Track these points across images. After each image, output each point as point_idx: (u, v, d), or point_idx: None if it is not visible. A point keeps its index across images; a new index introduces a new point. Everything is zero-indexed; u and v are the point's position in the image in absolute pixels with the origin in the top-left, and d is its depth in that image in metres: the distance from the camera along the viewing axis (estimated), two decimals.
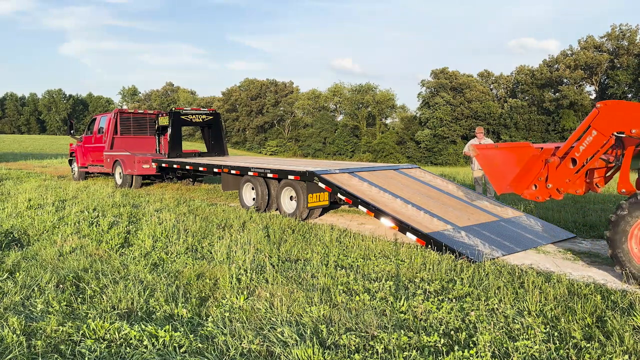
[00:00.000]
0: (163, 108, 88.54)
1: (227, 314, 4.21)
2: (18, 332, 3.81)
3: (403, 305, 4.39)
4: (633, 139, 5.82)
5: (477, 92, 66.84)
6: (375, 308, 4.36)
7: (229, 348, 3.60)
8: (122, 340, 3.72)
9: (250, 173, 9.95)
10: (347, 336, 3.74)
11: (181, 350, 3.57)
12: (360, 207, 7.71)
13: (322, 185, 8.43)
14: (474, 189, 11.37)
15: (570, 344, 3.66)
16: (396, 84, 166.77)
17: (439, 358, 3.47)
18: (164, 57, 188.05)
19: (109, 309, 4.35)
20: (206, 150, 15.20)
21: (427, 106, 70.05)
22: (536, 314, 4.23)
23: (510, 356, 3.49)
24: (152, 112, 16.05)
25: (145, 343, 3.64)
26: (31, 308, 4.37)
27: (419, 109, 73.22)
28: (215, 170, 11.31)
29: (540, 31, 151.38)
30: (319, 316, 4.17)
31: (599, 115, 5.72)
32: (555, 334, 3.85)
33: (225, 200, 11.94)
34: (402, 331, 3.82)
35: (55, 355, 3.50)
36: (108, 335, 3.78)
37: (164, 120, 14.35)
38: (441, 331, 3.90)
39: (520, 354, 3.51)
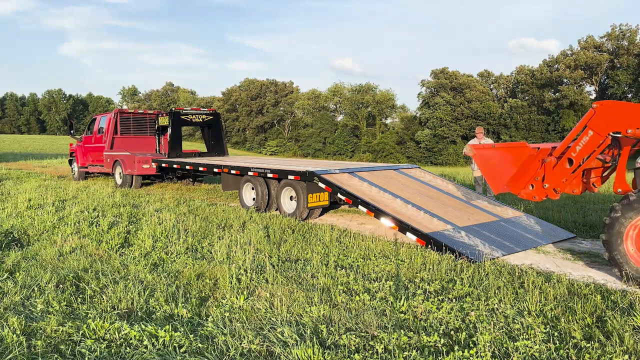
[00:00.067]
0: (163, 108, 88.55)
1: (227, 314, 4.21)
2: (18, 332, 3.81)
3: (403, 305, 4.39)
4: (629, 139, 5.86)
5: (477, 92, 66.85)
6: (375, 308, 4.36)
7: (229, 348, 3.60)
8: (122, 340, 3.72)
9: (250, 173, 9.95)
10: (347, 336, 3.74)
11: (181, 350, 3.57)
12: (360, 207, 7.71)
13: (322, 185, 8.43)
14: (474, 189, 11.37)
15: (570, 344, 3.66)
16: (396, 84, 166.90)
17: (439, 358, 3.47)
18: (164, 57, 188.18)
19: (109, 309, 4.35)
20: (206, 150, 15.21)
21: (427, 106, 70.06)
22: (536, 314, 4.23)
23: (510, 356, 3.49)
24: (152, 112, 16.05)
25: (145, 343, 3.64)
26: (31, 308, 4.37)
27: (419, 109, 73.25)
28: (215, 170, 11.31)
29: (540, 31, 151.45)
30: (319, 316, 4.17)
31: (595, 115, 5.75)
32: (555, 334, 3.86)
33: (225, 200, 11.94)
34: (402, 331, 3.83)
35: (55, 355, 3.50)
36: (108, 335, 3.78)
37: (164, 120, 14.36)
38: (441, 331, 3.90)
39: (520, 354, 3.51)
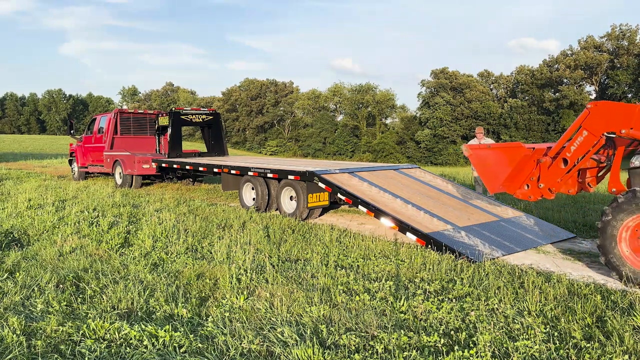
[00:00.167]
0: (163, 108, 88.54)
1: (227, 314, 4.21)
2: (18, 332, 3.81)
3: (403, 305, 4.39)
4: (623, 139, 5.89)
5: (477, 92, 66.86)
6: (375, 308, 4.36)
7: (229, 348, 3.60)
8: (122, 340, 3.72)
9: (250, 173, 9.95)
10: (347, 336, 3.74)
11: (181, 350, 3.57)
12: (360, 207, 7.71)
13: (322, 185, 8.43)
14: (474, 189, 11.37)
15: (570, 344, 3.66)
16: (396, 84, 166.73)
17: (439, 358, 3.47)
18: (164, 57, 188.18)
19: (109, 309, 4.35)
20: (206, 150, 15.20)
21: (427, 106, 70.07)
22: (536, 314, 4.23)
23: (510, 356, 3.49)
24: (152, 112, 16.05)
25: (145, 343, 3.64)
26: (31, 308, 4.37)
27: (419, 109, 73.26)
28: (215, 170, 11.31)
29: (540, 31, 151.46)
30: (319, 316, 4.17)
31: (589, 115, 5.81)
32: (555, 334, 3.86)
33: (225, 200, 11.94)
34: (402, 331, 3.83)
35: (55, 355, 3.50)
36: (108, 335, 3.78)
37: (164, 120, 14.35)
38: (441, 331, 3.90)
39: (520, 354, 3.51)
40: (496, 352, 3.54)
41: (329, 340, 3.71)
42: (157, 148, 15.24)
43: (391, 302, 4.48)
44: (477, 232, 7.10)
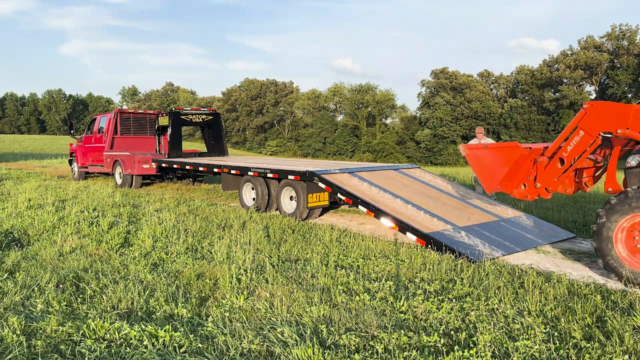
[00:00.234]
0: (163, 108, 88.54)
1: (227, 314, 4.21)
2: (18, 332, 3.81)
3: (403, 305, 4.39)
4: (619, 139, 5.93)
5: (477, 92, 66.86)
6: (375, 308, 4.36)
7: (229, 348, 3.60)
8: (122, 340, 3.72)
9: (250, 173, 9.95)
10: (347, 336, 3.74)
11: (181, 350, 3.57)
12: (360, 207, 7.71)
13: (322, 185, 8.43)
14: (474, 189, 11.36)
15: (570, 344, 3.66)
16: (396, 84, 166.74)
17: (439, 358, 3.47)
18: (164, 57, 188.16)
19: (109, 309, 4.35)
20: (206, 150, 15.21)
21: (427, 106, 70.07)
22: (536, 314, 4.23)
23: (510, 356, 3.49)
24: (152, 112, 16.05)
25: (145, 343, 3.64)
26: (31, 308, 4.37)
27: (419, 109, 73.28)
28: (215, 170, 11.31)
29: (540, 31, 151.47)
30: (319, 316, 4.17)
31: (586, 115, 5.85)
32: (555, 334, 3.86)
33: (225, 200, 11.94)
34: (402, 331, 3.83)
35: (55, 355, 3.50)
36: (108, 335, 3.78)
37: (164, 120, 14.35)
38: (441, 331, 3.90)
39: (520, 354, 3.51)
40: (496, 352, 3.54)
41: (329, 340, 3.71)
42: (157, 148, 15.24)
43: (391, 302, 4.48)
44: (477, 232, 7.10)
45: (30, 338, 3.75)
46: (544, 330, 3.88)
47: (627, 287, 5.21)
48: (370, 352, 3.55)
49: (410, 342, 3.69)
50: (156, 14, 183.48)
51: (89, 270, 5.46)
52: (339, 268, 5.60)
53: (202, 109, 15.20)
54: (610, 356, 3.47)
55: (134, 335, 3.73)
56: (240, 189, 10.47)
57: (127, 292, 4.65)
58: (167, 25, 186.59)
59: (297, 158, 58.31)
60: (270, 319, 4.12)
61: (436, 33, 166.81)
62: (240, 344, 3.66)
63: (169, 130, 13.83)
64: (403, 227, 6.98)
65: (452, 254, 6.13)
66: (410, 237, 6.87)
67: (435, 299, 4.58)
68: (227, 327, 3.93)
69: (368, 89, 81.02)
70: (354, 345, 3.64)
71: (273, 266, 5.61)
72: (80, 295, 4.69)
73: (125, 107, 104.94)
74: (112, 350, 3.56)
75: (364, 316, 4.11)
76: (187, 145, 16.75)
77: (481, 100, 66.16)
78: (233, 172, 10.68)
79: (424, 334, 3.81)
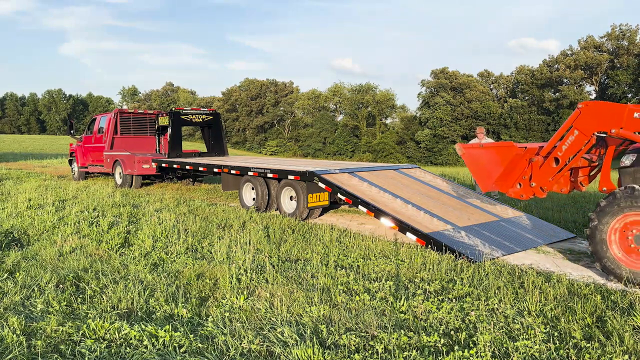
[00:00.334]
0: (163, 108, 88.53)
1: (227, 314, 4.21)
2: (18, 332, 3.81)
3: (403, 305, 4.39)
4: (614, 138, 5.97)
5: (477, 92, 66.85)
6: (375, 308, 4.36)
7: (229, 348, 3.60)
8: (122, 340, 3.72)
9: (250, 173, 9.95)
10: (347, 336, 3.74)
11: (181, 350, 3.57)
12: (360, 207, 7.71)
13: (322, 185, 8.43)
14: (474, 189, 11.36)
15: (570, 344, 3.66)
16: (396, 84, 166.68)
17: (439, 358, 3.47)
18: (164, 57, 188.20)
19: (109, 309, 4.35)
20: (206, 150, 15.21)
21: (427, 106, 70.07)
22: (536, 314, 4.23)
23: (510, 356, 3.49)
24: (152, 112, 16.05)
25: (145, 343, 3.64)
26: (31, 308, 4.37)
27: (419, 109, 73.27)
28: (215, 170, 11.31)
29: (540, 31, 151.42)
30: (319, 316, 4.17)
31: (580, 115, 5.91)
32: (555, 334, 3.86)
33: (225, 200, 11.94)
34: (402, 331, 3.82)
35: (55, 355, 3.50)
36: (108, 335, 3.78)
37: (164, 120, 14.36)
38: (441, 331, 3.90)
39: (520, 354, 3.51)
40: (496, 352, 3.54)
41: (329, 340, 3.71)
42: (157, 148, 15.24)
43: (391, 302, 4.48)
44: (477, 232, 7.10)
45: (30, 338, 3.75)
46: (544, 330, 3.88)
47: (627, 287, 5.21)
48: (370, 352, 3.55)
49: (410, 342, 3.69)
50: (156, 14, 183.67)
51: (89, 270, 5.46)
52: (339, 268, 5.60)
53: (202, 109, 15.20)
54: (610, 356, 3.47)
55: (134, 335, 3.73)
56: (240, 189, 10.47)
57: (127, 292, 4.65)
58: (167, 25, 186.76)
59: (297, 158, 58.31)
60: (270, 319, 4.12)
61: (436, 33, 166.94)
62: (240, 344, 3.66)
63: (169, 130, 13.83)
64: (403, 227, 6.98)
65: (452, 254, 6.13)
66: (410, 237, 6.87)
67: (435, 299, 4.58)
68: (227, 327, 3.93)
69: (368, 89, 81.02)
70: (354, 345, 3.64)
71: (273, 266, 5.61)
72: (80, 295, 4.69)
73: (125, 107, 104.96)
74: (112, 350, 3.56)
75: (364, 316, 4.11)
76: (187, 145, 16.75)
77: (481, 100, 66.16)
78: (233, 172, 10.68)
79: (424, 334, 3.81)
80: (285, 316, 4.16)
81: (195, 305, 4.44)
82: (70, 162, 17.34)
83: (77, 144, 16.71)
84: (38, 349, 3.57)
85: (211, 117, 14.77)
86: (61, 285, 4.97)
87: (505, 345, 3.64)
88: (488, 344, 3.60)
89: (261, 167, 9.82)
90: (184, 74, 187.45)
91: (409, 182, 9.20)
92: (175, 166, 12.80)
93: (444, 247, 6.33)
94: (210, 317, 4.17)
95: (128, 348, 3.59)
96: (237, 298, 4.56)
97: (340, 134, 77.34)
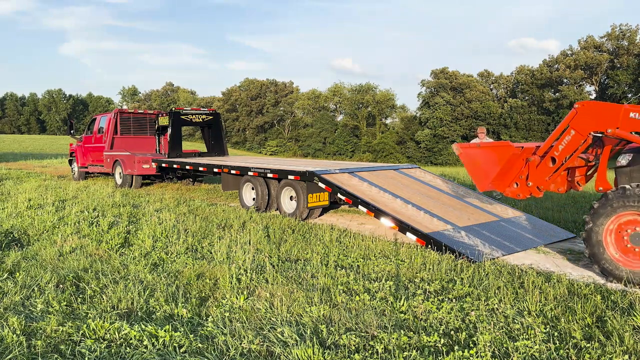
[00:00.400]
0: (163, 108, 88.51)
1: (227, 314, 4.21)
2: (18, 332, 3.81)
3: (403, 305, 4.39)
4: (610, 138, 6.02)
5: (477, 92, 66.85)
6: (375, 308, 4.36)
7: (229, 348, 3.60)
8: (122, 340, 3.72)
9: (250, 173, 9.95)
10: (347, 336, 3.74)
11: (181, 350, 3.57)
12: (360, 207, 7.71)
13: (322, 185, 8.43)
14: (474, 189, 11.36)
15: (570, 344, 3.66)
16: (396, 84, 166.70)
17: (439, 358, 3.47)
18: (164, 57, 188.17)
19: (109, 309, 4.35)
20: (206, 150, 15.21)
21: (427, 106, 70.06)
22: (536, 314, 4.23)
23: (510, 356, 3.49)
24: (152, 112, 16.06)
25: (145, 343, 3.64)
26: (31, 308, 4.37)
27: (419, 109, 73.25)
28: (215, 170, 11.32)
29: (540, 31, 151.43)
30: (319, 316, 4.17)
31: (577, 115, 5.96)
32: (555, 334, 3.86)
33: (225, 200, 11.94)
34: (402, 331, 3.83)
35: (55, 355, 3.50)
36: (108, 335, 3.78)
37: (164, 120, 14.36)
38: (441, 331, 3.90)
39: (520, 354, 3.51)
40: (496, 352, 3.54)
41: (329, 340, 3.71)
42: (157, 148, 15.24)
43: (391, 302, 4.48)
44: (477, 232, 7.10)
45: (30, 338, 3.75)
46: (544, 330, 3.88)
47: (627, 287, 5.21)
48: (370, 352, 3.55)
49: (410, 342, 3.69)
50: (156, 14, 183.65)
51: (89, 270, 5.46)
52: (339, 268, 5.60)
53: (202, 109, 15.20)
54: (610, 356, 3.47)
55: (134, 335, 3.73)
56: (240, 189, 10.47)
57: (127, 292, 4.65)
58: (167, 25, 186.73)
59: (297, 158, 58.31)
60: (270, 319, 4.12)
61: (436, 33, 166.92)
62: (240, 344, 3.66)
63: (169, 130, 13.83)
64: (403, 227, 6.98)
65: (452, 254, 6.13)
66: (410, 237, 6.87)
67: (435, 299, 4.58)
68: (227, 327, 3.93)
69: (368, 89, 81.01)
70: (354, 345, 3.64)
71: (273, 266, 5.61)
72: (80, 295, 4.69)
73: (125, 107, 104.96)
74: (112, 350, 3.56)
75: (364, 316, 4.11)
76: (187, 145, 16.75)
77: (481, 100, 66.15)
78: (233, 172, 10.68)
79: (424, 334, 3.81)
80: (285, 316, 4.16)
81: (195, 305, 4.44)
82: (70, 162, 17.34)
83: (77, 144, 16.71)
84: (38, 349, 3.57)
85: (211, 117, 14.77)
86: (61, 285, 4.97)
87: (505, 345, 3.64)
88: (488, 344, 3.60)
89: (261, 167, 9.82)
90: (184, 74, 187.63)
91: (409, 182, 9.20)
92: (175, 166, 12.80)
93: (444, 247, 6.33)
94: (210, 317, 4.17)
95: (128, 348, 3.59)
96: (237, 298, 4.56)
97: (340, 134, 77.34)
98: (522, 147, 6.68)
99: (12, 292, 4.69)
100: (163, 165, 13.41)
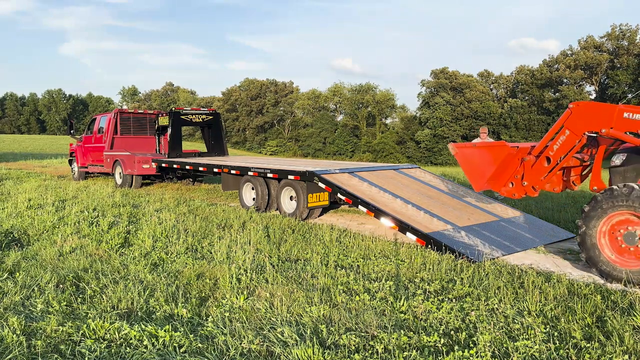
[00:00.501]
0: (163, 108, 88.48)
1: (227, 314, 4.21)
2: (18, 332, 3.81)
3: (403, 305, 4.39)
4: (605, 138, 6.05)
5: (477, 92, 66.84)
6: (375, 308, 4.36)
7: (229, 348, 3.60)
8: (122, 340, 3.72)
9: (250, 173, 9.95)
10: (347, 336, 3.74)
11: (181, 350, 3.57)
12: (360, 207, 7.71)
13: (322, 185, 8.43)
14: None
15: (570, 344, 3.66)
16: (396, 84, 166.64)
17: (439, 358, 3.47)
18: (164, 57, 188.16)
19: (109, 309, 4.35)
20: (206, 150, 15.21)
21: (427, 106, 70.05)
22: (536, 314, 4.23)
23: (510, 356, 3.49)
24: (152, 112, 16.05)
25: (145, 343, 3.64)
26: (31, 308, 4.37)
27: (419, 109, 73.24)
28: (215, 170, 11.32)
29: (540, 31, 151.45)
30: (319, 316, 4.17)
31: (571, 115, 6.01)
32: (555, 334, 3.86)
33: (225, 200, 11.94)
34: (402, 331, 3.83)
35: (55, 355, 3.50)
36: (108, 335, 3.78)
37: (164, 120, 14.35)
38: (441, 331, 3.90)
39: (520, 354, 3.51)
40: (496, 352, 3.54)
41: (329, 340, 3.71)
42: (157, 148, 15.24)
43: (391, 302, 4.48)
44: (477, 232, 7.10)
45: (30, 338, 3.75)
46: (544, 330, 3.88)
47: (626, 287, 5.20)
48: (370, 352, 3.55)
49: (410, 342, 3.69)
50: (156, 14, 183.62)
51: (89, 270, 5.46)
52: (339, 268, 5.60)
53: (202, 109, 15.20)
54: (610, 356, 3.47)
55: (134, 335, 3.73)
56: (240, 189, 10.47)
57: (127, 292, 4.65)
58: (167, 25, 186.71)
59: (297, 158, 58.30)
60: (270, 319, 4.12)
61: (436, 33, 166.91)
62: (240, 344, 3.66)
63: (169, 130, 13.83)
64: (403, 227, 6.98)
65: (452, 254, 6.13)
66: (410, 237, 6.87)
67: (435, 299, 4.58)
68: (227, 327, 3.93)
69: (368, 89, 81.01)
70: (354, 345, 3.64)
71: (273, 266, 5.61)
72: (80, 295, 4.69)
73: (125, 107, 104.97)
74: (112, 350, 3.56)
75: (364, 316, 4.11)
76: (187, 145, 16.75)
77: (481, 100, 66.14)
78: (233, 172, 10.68)
79: (424, 334, 3.81)
80: (285, 316, 4.16)
81: (195, 305, 4.44)
82: (70, 162, 17.34)
83: (77, 144, 16.71)
84: (38, 349, 3.57)
85: (211, 117, 14.77)
86: (61, 285, 4.97)
87: (505, 345, 3.64)
88: (488, 344, 3.60)
89: (261, 167, 9.82)
90: (184, 74, 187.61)
91: (409, 182, 9.20)
92: (175, 166, 12.80)
93: (444, 247, 6.33)
94: (210, 317, 4.17)
95: (128, 348, 3.59)
96: (237, 298, 4.56)
97: (340, 134, 77.33)
98: (518, 147, 6.73)
99: (12, 292, 4.69)
100: (163, 165, 13.41)
